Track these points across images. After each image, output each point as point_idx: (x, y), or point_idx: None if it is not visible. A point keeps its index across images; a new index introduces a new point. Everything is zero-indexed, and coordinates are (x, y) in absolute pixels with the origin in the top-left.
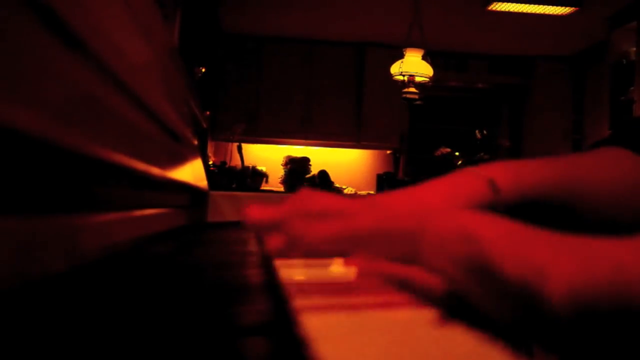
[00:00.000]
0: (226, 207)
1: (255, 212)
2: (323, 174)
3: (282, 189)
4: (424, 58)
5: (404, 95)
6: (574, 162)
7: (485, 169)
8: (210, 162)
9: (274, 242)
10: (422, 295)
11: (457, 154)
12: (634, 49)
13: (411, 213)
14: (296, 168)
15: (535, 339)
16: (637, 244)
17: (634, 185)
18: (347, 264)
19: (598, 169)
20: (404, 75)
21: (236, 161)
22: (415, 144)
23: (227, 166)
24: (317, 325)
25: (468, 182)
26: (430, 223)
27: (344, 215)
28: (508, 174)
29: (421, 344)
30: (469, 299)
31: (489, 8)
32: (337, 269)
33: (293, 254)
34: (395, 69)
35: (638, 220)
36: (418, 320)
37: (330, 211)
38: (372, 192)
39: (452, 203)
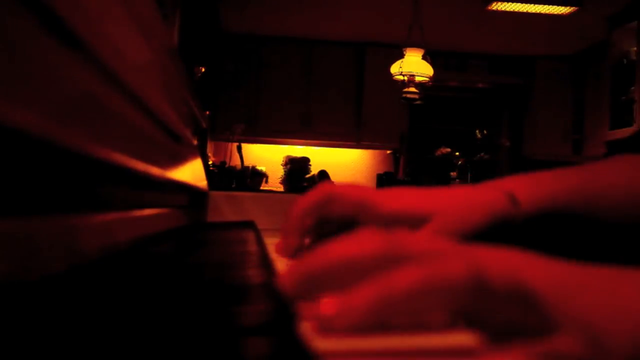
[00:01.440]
0: (226, 207)
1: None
2: (323, 174)
3: (282, 189)
4: (424, 58)
5: (404, 95)
6: (591, 170)
7: (505, 183)
8: (210, 162)
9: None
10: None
11: (457, 154)
12: (635, 48)
13: (449, 253)
14: (296, 168)
15: None
16: None
17: None
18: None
19: (614, 175)
20: (404, 75)
21: (236, 161)
22: (415, 144)
23: (226, 166)
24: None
25: (489, 194)
26: (482, 268)
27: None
28: (527, 187)
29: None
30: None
31: (489, 8)
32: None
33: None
34: (395, 68)
35: None
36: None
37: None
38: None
39: (475, 208)
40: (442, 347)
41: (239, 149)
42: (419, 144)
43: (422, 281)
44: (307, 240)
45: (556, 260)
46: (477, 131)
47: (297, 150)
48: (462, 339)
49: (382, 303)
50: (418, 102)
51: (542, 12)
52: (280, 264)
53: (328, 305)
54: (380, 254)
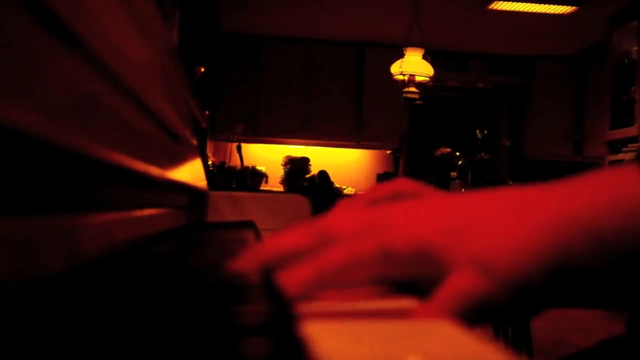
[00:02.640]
0: (226, 207)
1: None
2: (323, 174)
3: (282, 189)
4: (424, 58)
5: (404, 95)
6: (594, 179)
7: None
8: (210, 162)
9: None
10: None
11: (457, 154)
12: (635, 48)
13: (364, 232)
14: (296, 168)
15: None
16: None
17: None
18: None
19: (618, 184)
20: (404, 75)
21: (236, 161)
22: (415, 144)
23: (226, 166)
24: (319, 331)
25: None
26: (388, 244)
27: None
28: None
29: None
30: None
31: (489, 8)
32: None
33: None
34: (395, 68)
35: None
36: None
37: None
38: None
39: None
40: (386, 309)
41: (239, 149)
42: (419, 144)
43: (344, 258)
44: None
45: (450, 210)
46: (477, 131)
47: (297, 150)
48: (401, 303)
49: (317, 276)
50: (418, 102)
51: (542, 12)
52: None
53: (285, 273)
54: (311, 241)
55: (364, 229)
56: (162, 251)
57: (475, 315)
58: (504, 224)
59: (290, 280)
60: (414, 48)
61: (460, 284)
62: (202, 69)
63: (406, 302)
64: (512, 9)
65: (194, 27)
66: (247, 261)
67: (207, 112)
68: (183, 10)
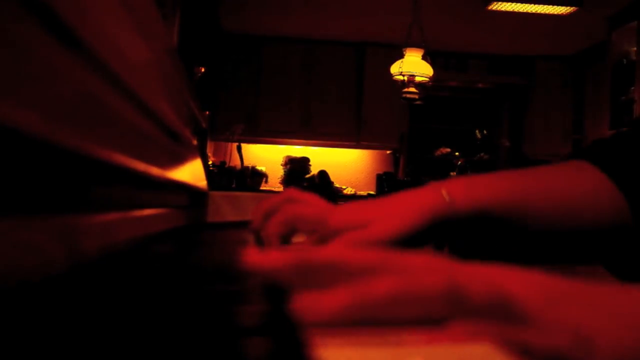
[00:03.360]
0: (226, 207)
1: (255, 258)
2: (323, 174)
3: (282, 189)
4: (423, 58)
5: (404, 95)
6: (531, 175)
7: (445, 183)
8: (210, 162)
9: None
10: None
11: (457, 154)
12: (635, 48)
13: (430, 268)
14: (296, 168)
15: None
16: None
17: (590, 196)
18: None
19: (550, 182)
20: (404, 75)
21: (236, 161)
22: (415, 144)
23: (226, 166)
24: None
25: (426, 195)
26: (462, 284)
27: (353, 278)
28: (464, 189)
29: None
30: None
31: (489, 8)
32: None
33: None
34: (395, 68)
35: (594, 230)
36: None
37: (337, 269)
38: (372, 192)
39: (412, 210)
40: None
41: (239, 149)
42: (419, 144)
43: (398, 289)
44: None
45: (535, 272)
46: (477, 131)
47: (297, 150)
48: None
49: (357, 305)
50: (418, 102)
51: (542, 12)
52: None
53: (309, 298)
54: (370, 265)
55: (433, 265)
56: (162, 251)
57: None
58: (607, 302)
59: (316, 305)
60: (413, 48)
61: (550, 341)
62: (202, 69)
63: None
64: (512, 9)
65: (194, 27)
66: (288, 261)
67: (207, 112)
68: (183, 10)
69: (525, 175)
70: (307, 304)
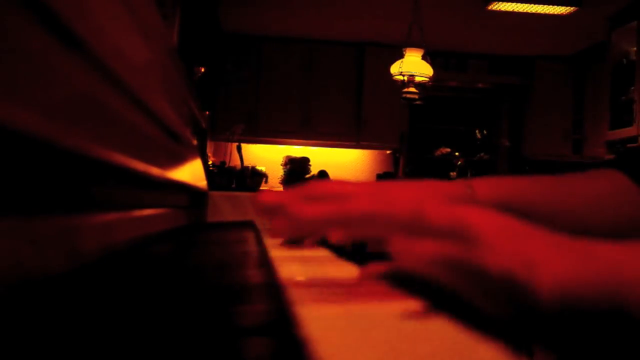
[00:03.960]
0: (226, 207)
1: (266, 196)
2: (323, 174)
3: (281, 189)
4: (423, 58)
5: (404, 95)
6: (562, 178)
7: (470, 180)
8: (210, 162)
9: (278, 223)
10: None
11: (457, 154)
12: (634, 48)
13: (407, 200)
14: (296, 168)
15: (527, 335)
16: (636, 249)
17: (621, 208)
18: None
19: (583, 185)
20: (403, 75)
21: (236, 161)
22: (415, 144)
23: (226, 166)
24: (317, 324)
25: (451, 185)
26: (426, 210)
27: (343, 198)
28: (485, 186)
29: (420, 344)
30: (459, 291)
31: (489, 8)
32: (338, 270)
33: (293, 234)
34: (395, 68)
35: (613, 235)
36: (418, 319)
37: (331, 195)
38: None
39: (435, 196)
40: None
41: (239, 149)
42: (419, 144)
43: (373, 211)
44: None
45: (499, 212)
46: (477, 131)
47: (297, 151)
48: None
49: (336, 217)
50: (418, 102)
51: (542, 12)
52: (280, 264)
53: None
54: (409, 218)
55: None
56: (162, 251)
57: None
58: (566, 247)
59: (304, 211)
60: (413, 48)
61: (499, 261)
62: (202, 69)
63: (411, 304)
64: (512, 9)
65: (194, 27)
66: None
67: (207, 112)
68: (183, 10)
69: (552, 180)
70: (302, 211)
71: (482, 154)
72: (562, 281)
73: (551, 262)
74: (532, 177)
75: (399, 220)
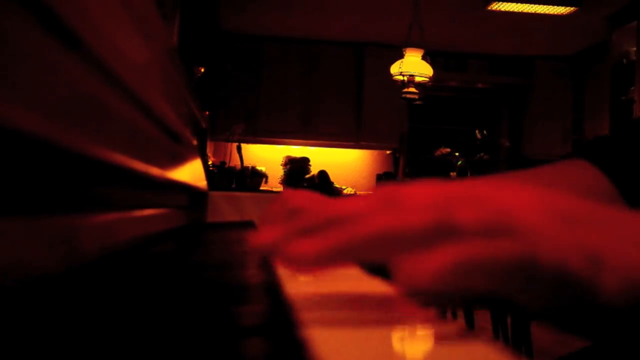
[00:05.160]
0: (226, 207)
1: (260, 237)
2: (323, 174)
3: (281, 189)
4: (423, 58)
5: (404, 95)
6: (533, 174)
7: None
8: (210, 163)
9: (281, 264)
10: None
11: (457, 154)
12: (634, 48)
13: (422, 207)
14: (296, 168)
15: (586, 331)
16: None
17: (587, 194)
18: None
19: (556, 180)
20: (403, 75)
21: (235, 161)
22: (415, 144)
23: (226, 166)
24: (323, 340)
25: None
26: (454, 212)
27: (346, 219)
28: None
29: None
30: (496, 292)
31: (489, 8)
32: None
33: (301, 273)
34: (395, 69)
35: None
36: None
37: (333, 219)
38: (371, 192)
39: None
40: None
41: (239, 149)
42: (419, 144)
43: (386, 230)
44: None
45: (536, 190)
46: (477, 131)
47: (297, 151)
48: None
49: (341, 245)
50: (418, 102)
51: (542, 12)
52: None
53: (297, 244)
54: (430, 227)
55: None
56: (162, 251)
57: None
58: (629, 231)
59: (305, 247)
60: (413, 48)
61: (557, 255)
62: (202, 69)
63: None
64: (512, 10)
65: (194, 27)
66: (263, 237)
67: (207, 112)
68: (183, 10)
69: (524, 176)
70: (298, 246)
71: (482, 154)
72: (631, 278)
73: (618, 255)
74: (512, 175)
75: (419, 233)
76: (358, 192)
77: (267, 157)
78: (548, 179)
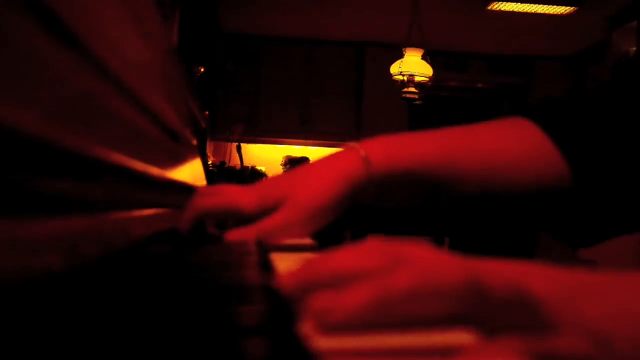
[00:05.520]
0: None
1: (286, 282)
2: None
3: None
4: (423, 58)
5: (404, 95)
6: (464, 132)
7: (365, 144)
8: (210, 162)
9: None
10: None
11: None
12: (635, 48)
13: (455, 265)
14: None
15: None
16: None
17: (526, 157)
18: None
19: (490, 138)
20: (404, 75)
21: (235, 161)
22: None
23: (226, 166)
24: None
25: (346, 157)
26: (483, 278)
27: (373, 273)
28: (385, 149)
29: None
30: None
31: (489, 8)
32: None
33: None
34: (395, 69)
35: (526, 195)
36: None
37: (361, 272)
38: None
39: (329, 177)
40: (441, 345)
41: (239, 149)
42: None
43: (420, 284)
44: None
45: (555, 268)
46: None
47: (297, 151)
48: (459, 337)
49: (378, 302)
50: (418, 102)
51: (542, 12)
52: (281, 264)
53: (324, 300)
54: (382, 265)
55: (449, 259)
56: (161, 251)
57: None
58: (626, 297)
59: (338, 304)
60: (413, 48)
61: (565, 345)
62: (202, 69)
63: (461, 336)
64: (512, 10)
65: (194, 27)
66: (296, 279)
67: (207, 112)
68: (183, 10)
69: (452, 133)
70: (325, 305)
71: None
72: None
73: (624, 335)
74: (432, 133)
75: (451, 294)
76: None
77: (267, 157)
78: (482, 138)
